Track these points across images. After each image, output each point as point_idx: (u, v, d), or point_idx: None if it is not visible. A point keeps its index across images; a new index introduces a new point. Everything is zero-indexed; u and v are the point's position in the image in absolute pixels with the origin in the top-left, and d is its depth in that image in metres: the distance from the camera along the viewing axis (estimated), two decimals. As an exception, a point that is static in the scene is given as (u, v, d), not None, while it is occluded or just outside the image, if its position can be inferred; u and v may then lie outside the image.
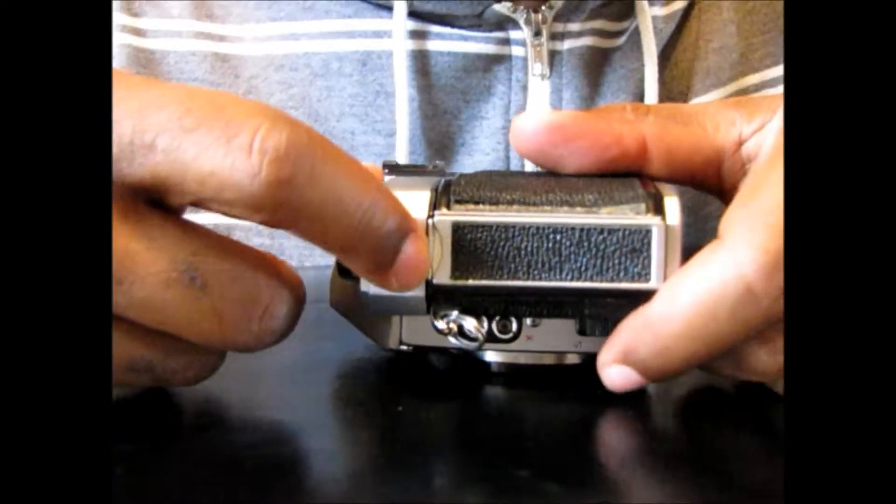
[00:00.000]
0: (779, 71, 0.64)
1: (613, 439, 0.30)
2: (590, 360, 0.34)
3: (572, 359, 0.34)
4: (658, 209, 0.31)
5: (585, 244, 0.30)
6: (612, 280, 0.30)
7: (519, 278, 0.31)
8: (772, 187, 0.29)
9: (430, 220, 0.31)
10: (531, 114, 0.33)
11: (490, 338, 0.33)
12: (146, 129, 0.26)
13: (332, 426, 0.32)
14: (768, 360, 0.30)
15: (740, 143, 0.34)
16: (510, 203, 0.31)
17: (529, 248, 0.31)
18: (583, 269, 0.30)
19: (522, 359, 0.34)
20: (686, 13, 0.63)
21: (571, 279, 0.31)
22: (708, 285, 0.29)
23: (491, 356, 0.34)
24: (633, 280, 0.30)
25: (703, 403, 0.34)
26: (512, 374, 0.35)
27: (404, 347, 0.34)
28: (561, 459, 0.28)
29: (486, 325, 0.33)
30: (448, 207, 0.31)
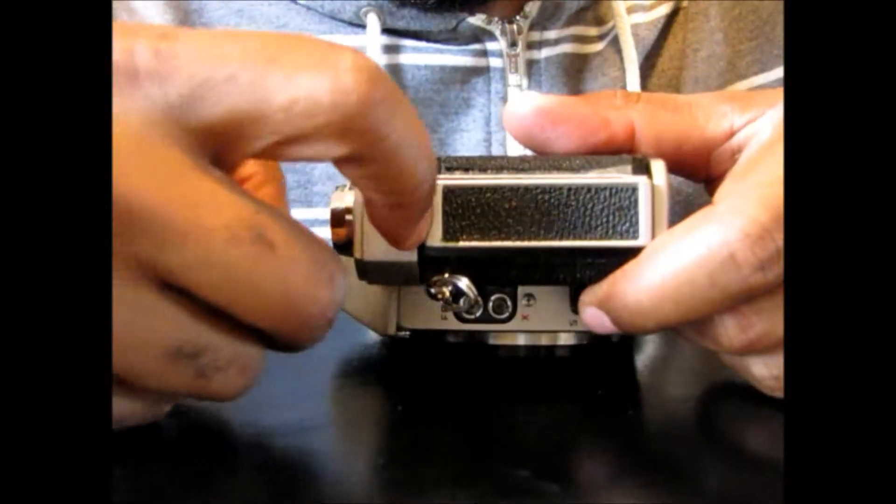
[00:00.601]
0: (765, 78, 0.65)
1: (614, 439, 0.30)
2: (585, 348, 0.35)
3: (568, 339, 0.35)
4: (644, 170, 0.32)
5: (574, 203, 0.31)
6: (600, 238, 0.31)
7: (509, 239, 0.32)
8: (769, 165, 0.30)
9: None
10: (521, 97, 0.33)
11: (486, 318, 0.33)
12: (224, 63, 0.25)
13: (331, 426, 0.32)
14: (735, 333, 0.31)
15: (731, 134, 0.34)
16: (499, 169, 0.32)
17: (519, 209, 0.31)
18: (572, 228, 0.31)
19: (520, 339, 0.35)
20: (670, 20, 0.64)
21: (561, 238, 0.31)
22: (692, 248, 0.30)
23: (488, 338, 0.35)
24: (621, 238, 0.31)
25: (704, 403, 0.34)
26: (511, 366, 0.35)
27: (402, 333, 0.34)
28: (561, 459, 0.29)
29: (479, 296, 0.33)
30: (439, 173, 0.32)
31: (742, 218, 0.29)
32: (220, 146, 0.26)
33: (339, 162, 0.27)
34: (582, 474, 0.28)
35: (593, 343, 0.35)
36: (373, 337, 0.39)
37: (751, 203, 0.29)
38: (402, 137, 0.26)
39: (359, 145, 0.26)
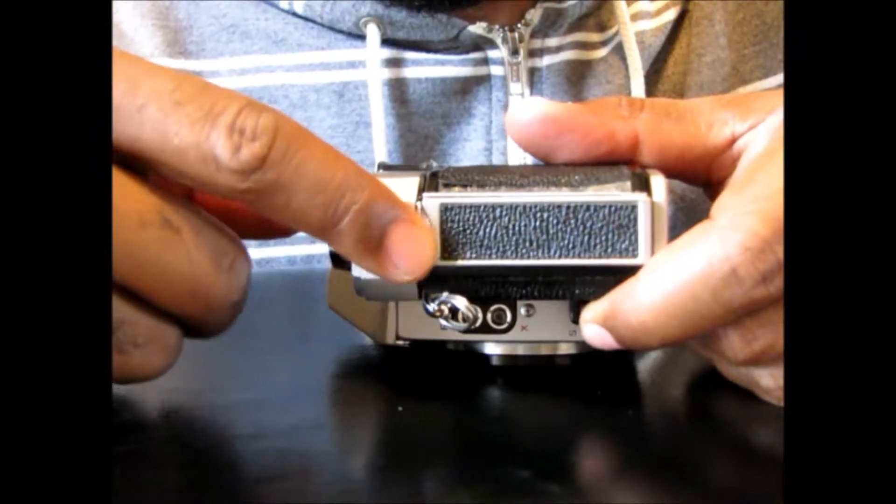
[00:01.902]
0: (769, 83, 0.65)
1: (614, 440, 0.31)
2: (585, 357, 0.35)
3: (568, 348, 0.35)
4: (644, 187, 0.32)
5: (572, 221, 0.32)
6: (600, 256, 0.32)
7: (508, 257, 0.32)
8: (767, 177, 0.31)
9: (418, 203, 0.32)
10: (525, 103, 0.34)
11: (485, 329, 0.34)
12: (137, 95, 0.28)
13: (331, 426, 0.33)
14: (740, 346, 0.31)
15: (732, 141, 0.35)
16: (497, 185, 0.33)
17: (517, 227, 0.32)
18: (571, 246, 0.32)
19: (520, 349, 0.35)
20: (676, 25, 0.64)
21: (560, 257, 0.32)
22: (693, 264, 0.30)
23: (488, 348, 0.35)
24: (620, 256, 0.32)
25: (704, 403, 0.35)
26: (511, 370, 0.35)
27: (401, 342, 0.35)
28: (561, 460, 0.29)
29: (479, 311, 0.34)
30: (436, 190, 0.33)
31: (742, 232, 0.30)
32: (129, 162, 0.29)
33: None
34: (582, 475, 0.29)
35: (593, 352, 0.36)
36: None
37: (750, 216, 0.30)
38: (294, 180, 0.29)
39: (250, 195, 0.29)
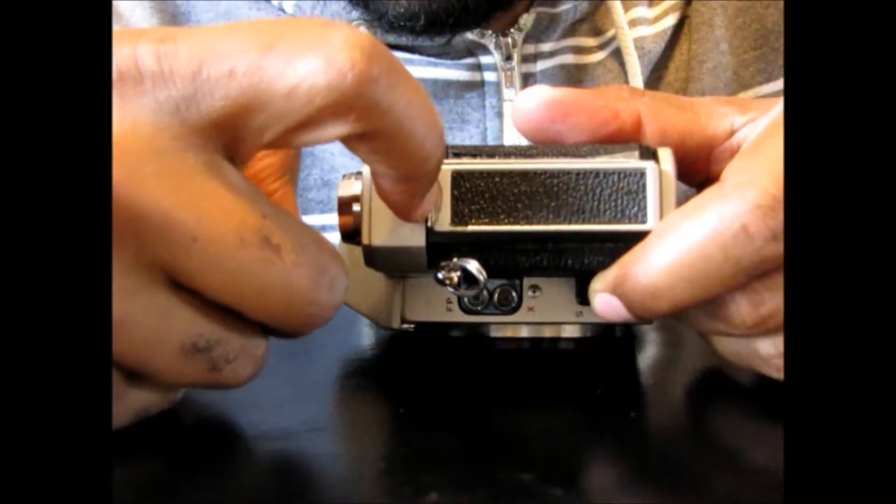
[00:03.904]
0: (771, 88, 0.66)
1: (616, 443, 0.31)
2: (590, 341, 0.35)
3: (573, 331, 0.36)
4: (652, 156, 0.34)
5: (582, 188, 0.33)
6: (609, 222, 0.33)
7: (518, 223, 0.33)
8: (776, 141, 0.32)
9: None
10: (530, 91, 0.35)
11: (492, 310, 0.36)
12: (222, 58, 0.27)
13: (332, 428, 0.33)
14: (747, 311, 0.32)
15: (731, 133, 0.36)
16: (507, 155, 0.34)
17: (527, 194, 0.33)
18: (580, 212, 0.33)
19: (525, 331, 0.36)
20: (676, 31, 0.65)
21: (569, 222, 0.33)
22: (704, 223, 0.31)
23: (493, 331, 0.36)
24: (630, 222, 0.33)
25: (706, 405, 0.35)
26: (516, 359, 0.36)
27: (406, 326, 0.36)
28: (564, 463, 0.30)
29: (487, 294, 0.34)
30: (447, 158, 0.34)
31: (753, 189, 0.30)
32: (230, 141, 0.28)
33: (348, 140, 0.29)
34: (585, 478, 0.29)
35: (597, 336, 0.36)
36: (373, 338, 0.40)
37: (761, 175, 0.31)
38: (406, 110, 0.28)
39: (363, 123, 0.28)
